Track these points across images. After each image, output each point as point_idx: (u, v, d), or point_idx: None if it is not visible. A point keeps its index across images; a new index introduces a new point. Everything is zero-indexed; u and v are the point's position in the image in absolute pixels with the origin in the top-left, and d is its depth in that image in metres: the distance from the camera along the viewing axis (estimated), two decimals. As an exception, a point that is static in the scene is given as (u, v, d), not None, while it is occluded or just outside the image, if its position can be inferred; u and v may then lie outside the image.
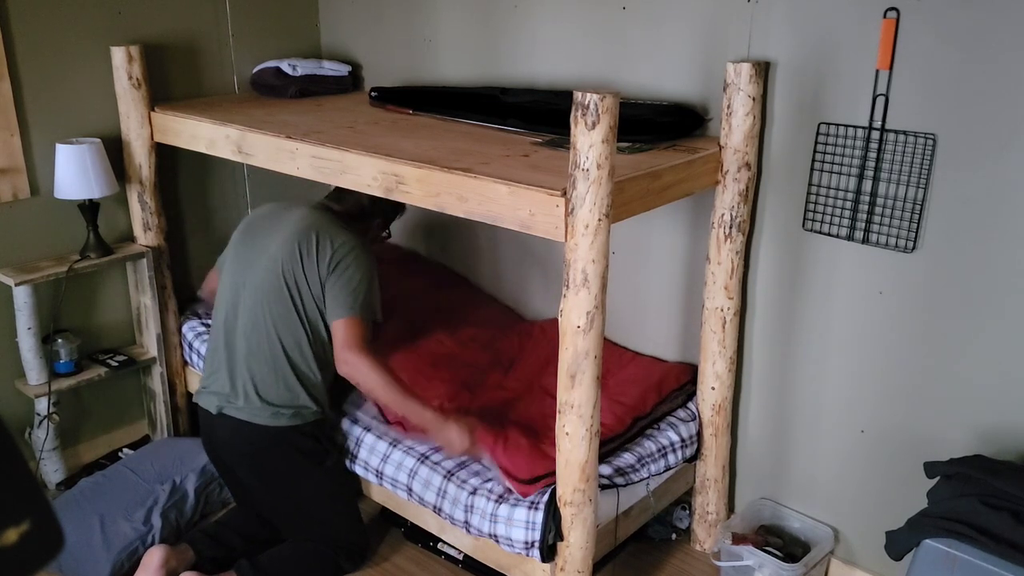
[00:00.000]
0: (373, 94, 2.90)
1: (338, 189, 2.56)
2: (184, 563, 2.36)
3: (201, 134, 2.69)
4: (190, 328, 3.04)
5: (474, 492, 2.21)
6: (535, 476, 2.13)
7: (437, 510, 2.28)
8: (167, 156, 2.99)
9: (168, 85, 2.99)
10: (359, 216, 2.57)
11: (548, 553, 2.11)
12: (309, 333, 2.36)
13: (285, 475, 2.41)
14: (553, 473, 2.12)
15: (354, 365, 2.29)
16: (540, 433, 2.34)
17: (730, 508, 2.66)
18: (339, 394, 2.58)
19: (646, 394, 2.49)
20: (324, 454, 2.44)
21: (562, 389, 1.97)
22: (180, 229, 3.13)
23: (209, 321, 2.98)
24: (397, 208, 2.69)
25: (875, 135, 2.13)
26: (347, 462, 2.51)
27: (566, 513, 2.05)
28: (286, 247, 2.37)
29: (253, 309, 2.38)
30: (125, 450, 3.03)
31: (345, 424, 2.53)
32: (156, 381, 3.01)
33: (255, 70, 3.15)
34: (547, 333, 2.91)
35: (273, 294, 2.35)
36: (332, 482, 2.46)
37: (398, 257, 3.36)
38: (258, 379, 2.35)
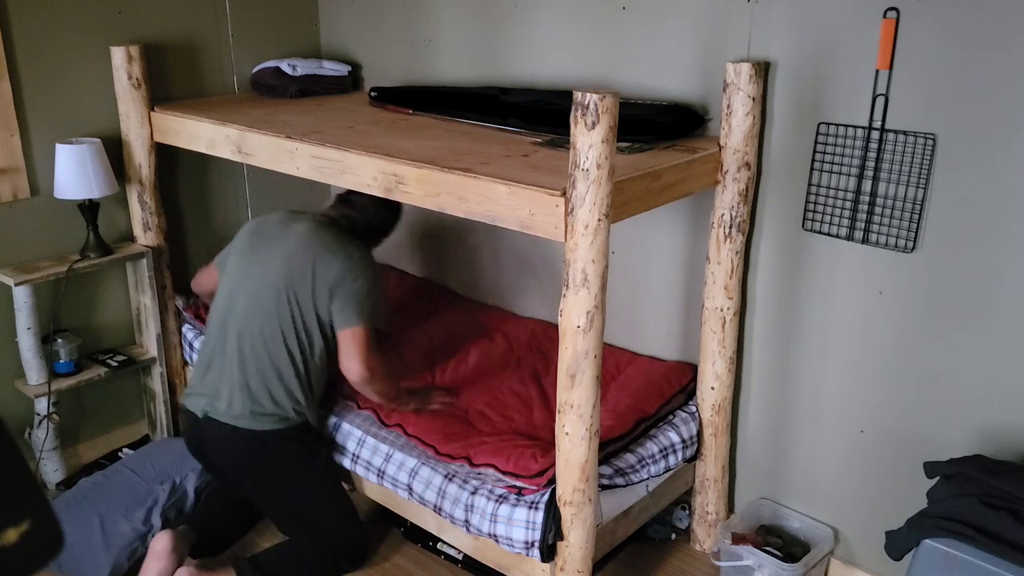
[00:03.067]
0: (373, 94, 2.90)
1: (344, 204, 2.58)
2: (188, 544, 2.40)
3: (201, 134, 2.69)
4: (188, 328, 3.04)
5: (475, 492, 2.21)
6: (544, 468, 2.14)
7: (437, 509, 2.28)
8: (167, 156, 2.99)
9: (168, 85, 2.99)
10: (364, 235, 2.57)
11: (548, 553, 2.11)
12: (303, 348, 2.37)
13: (275, 478, 2.43)
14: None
15: (358, 374, 2.34)
16: (524, 431, 2.38)
17: (730, 508, 2.66)
18: (330, 395, 2.60)
19: (649, 395, 2.49)
20: (311, 454, 2.45)
21: (562, 389, 1.97)
22: (180, 229, 3.13)
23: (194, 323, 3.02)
24: (394, 225, 2.72)
25: (875, 135, 2.13)
26: (349, 462, 2.51)
27: (566, 513, 2.05)
28: (290, 261, 2.37)
29: (247, 319, 2.38)
30: (125, 450, 3.03)
31: (344, 426, 2.53)
32: (156, 381, 3.01)
33: (255, 70, 3.15)
34: (500, 327, 2.99)
35: (270, 307, 2.36)
36: (323, 483, 2.47)
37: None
38: (243, 385, 2.35)
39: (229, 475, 2.49)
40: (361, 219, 2.56)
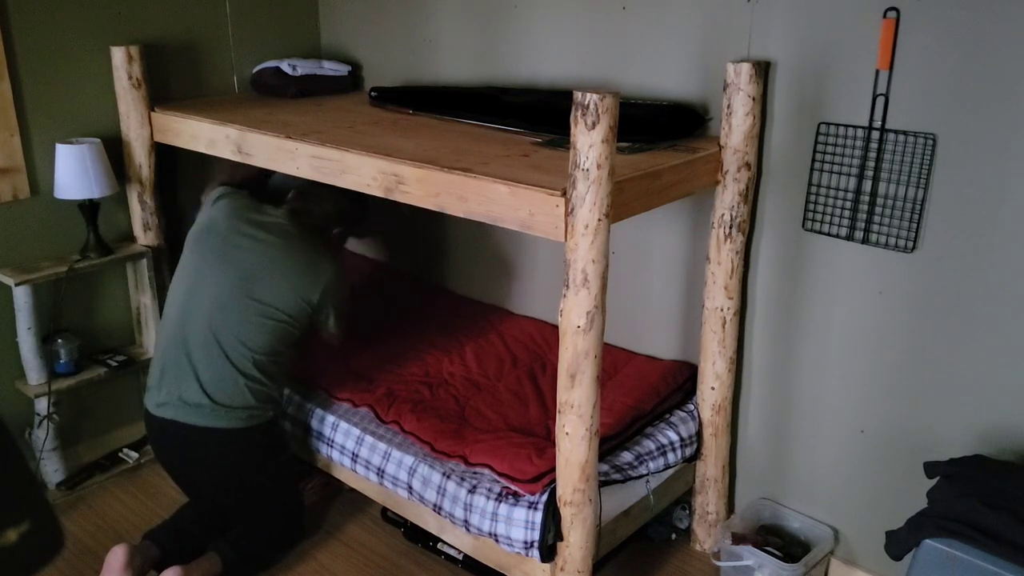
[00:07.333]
0: (373, 94, 2.90)
1: (302, 198, 2.64)
2: (149, 560, 2.36)
3: (201, 134, 2.69)
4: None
5: (473, 490, 2.21)
6: (540, 473, 2.14)
7: (437, 508, 2.28)
8: (167, 156, 2.99)
9: (168, 85, 2.99)
10: (328, 227, 2.67)
11: (548, 553, 2.11)
12: (269, 345, 2.40)
13: (241, 473, 2.46)
14: (554, 469, 2.13)
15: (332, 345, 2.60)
16: (523, 430, 2.38)
17: (730, 508, 2.66)
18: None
19: (646, 393, 2.49)
20: (281, 449, 2.54)
21: (562, 389, 1.97)
22: (180, 229, 3.13)
23: None
24: (360, 220, 2.79)
25: (875, 135, 2.13)
26: (349, 461, 2.52)
27: (566, 513, 2.05)
28: (261, 270, 2.41)
29: (212, 316, 2.37)
30: (125, 450, 3.03)
31: (343, 424, 2.53)
32: (156, 381, 3.01)
33: (255, 70, 3.15)
34: (499, 329, 3.00)
35: (240, 306, 2.37)
36: (283, 477, 2.54)
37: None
38: (213, 384, 2.35)
39: (190, 474, 2.49)
40: (319, 212, 2.62)
